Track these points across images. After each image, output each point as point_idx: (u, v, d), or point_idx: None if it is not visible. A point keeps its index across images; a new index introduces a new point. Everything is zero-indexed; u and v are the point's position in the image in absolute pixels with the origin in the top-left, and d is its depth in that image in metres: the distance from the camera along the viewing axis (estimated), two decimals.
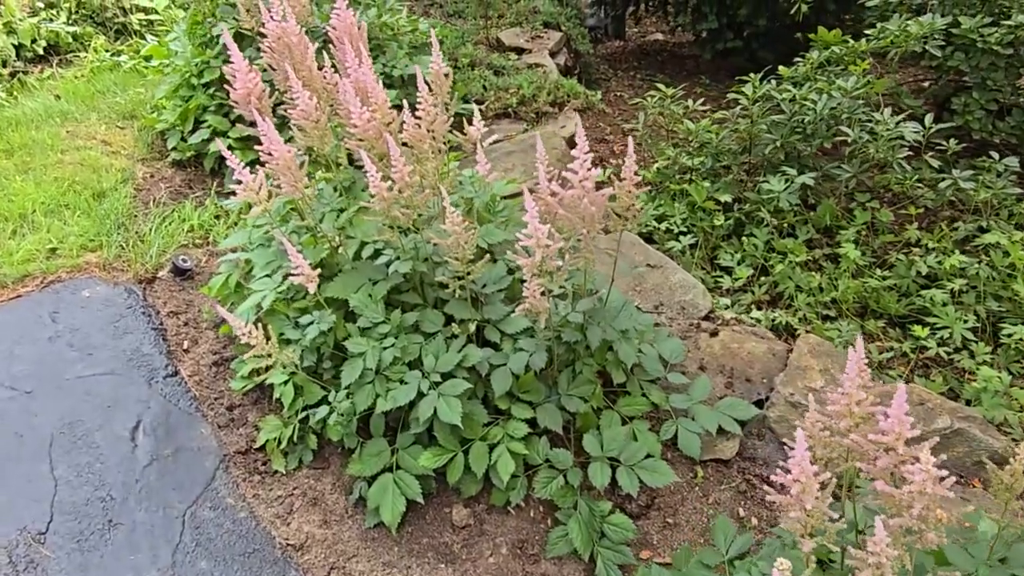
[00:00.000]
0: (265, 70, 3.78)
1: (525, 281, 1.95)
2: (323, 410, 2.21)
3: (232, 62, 2.43)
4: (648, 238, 3.82)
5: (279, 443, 2.45)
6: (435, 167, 2.13)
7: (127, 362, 2.75)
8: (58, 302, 3.00)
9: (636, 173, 2.01)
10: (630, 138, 1.97)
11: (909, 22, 3.97)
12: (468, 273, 2.08)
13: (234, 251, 2.79)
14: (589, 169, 1.89)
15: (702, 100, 4.30)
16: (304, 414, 2.43)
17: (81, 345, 2.80)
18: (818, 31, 5.24)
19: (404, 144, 2.14)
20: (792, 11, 5.29)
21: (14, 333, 2.83)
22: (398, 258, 2.18)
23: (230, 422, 2.61)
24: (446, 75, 2.48)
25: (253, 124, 2.50)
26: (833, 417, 1.38)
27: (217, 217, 3.71)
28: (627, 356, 2.28)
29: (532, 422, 2.24)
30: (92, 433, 2.45)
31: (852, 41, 4.17)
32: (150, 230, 3.53)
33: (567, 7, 6.48)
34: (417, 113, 2.05)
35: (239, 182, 2.09)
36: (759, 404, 2.54)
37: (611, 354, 2.36)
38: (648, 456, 2.16)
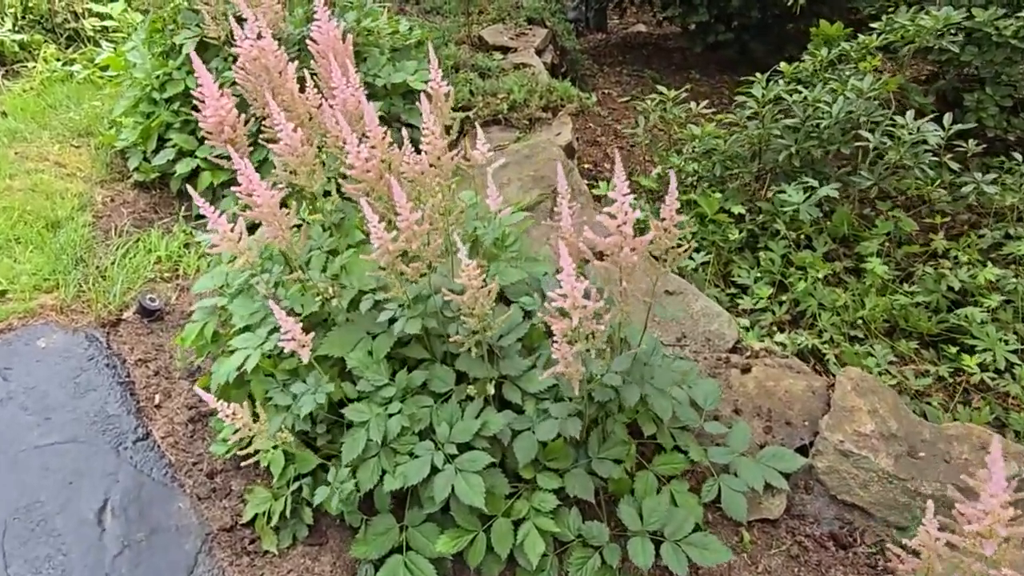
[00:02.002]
0: (235, 83, 3.45)
1: (555, 341, 1.67)
2: (322, 491, 1.92)
3: (200, 84, 2.11)
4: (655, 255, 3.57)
5: (269, 518, 2.16)
6: (442, 207, 1.84)
7: (90, 426, 2.43)
8: (10, 355, 2.66)
9: (677, 211, 1.74)
10: (672, 173, 1.70)
11: (923, 16, 3.74)
12: (485, 329, 1.80)
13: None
14: (627, 212, 1.61)
15: (706, 102, 4.05)
16: (297, 484, 2.14)
17: (37, 407, 2.47)
18: (819, 24, 5.00)
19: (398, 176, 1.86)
20: (790, 3, 5.05)
21: None
22: (403, 313, 1.88)
23: (212, 492, 2.31)
24: (446, 95, 2.18)
25: (226, 157, 2.19)
26: (966, 536, 1.13)
27: (187, 246, 3.37)
28: (663, 411, 2.02)
29: (559, 490, 1.97)
30: (52, 517, 2.13)
31: (861, 36, 3.94)
32: (112, 264, 3.18)
33: (551, 1, 6.18)
34: (422, 145, 1.76)
35: (215, 231, 1.79)
36: (802, 451, 2.30)
37: (642, 404, 2.10)
38: (696, 529, 1.90)
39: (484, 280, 1.70)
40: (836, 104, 3.41)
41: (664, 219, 1.76)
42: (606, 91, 6.17)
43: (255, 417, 1.91)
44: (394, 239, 1.67)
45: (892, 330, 3.12)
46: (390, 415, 1.92)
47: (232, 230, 1.79)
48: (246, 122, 2.19)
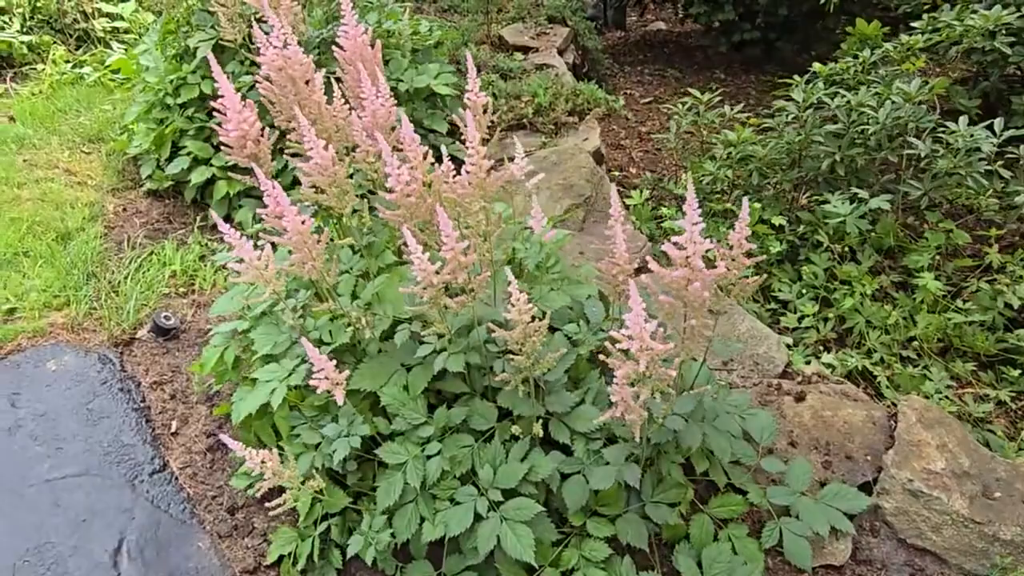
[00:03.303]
0: (252, 88, 3.30)
1: (615, 382, 1.52)
2: (357, 541, 1.77)
3: (221, 94, 1.96)
4: None
5: (295, 560, 2.01)
6: (484, 230, 1.69)
7: (104, 457, 2.29)
8: (19, 379, 2.53)
9: (746, 240, 1.58)
10: (745, 200, 1.54)
11: (972, 15, 3.56)
12: (535, 367, 1.65)
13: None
14: (698, 244, 1.46)
15: (740, 106, 3.88)
16: (325, 524, 2.00)
17: (48, 437, 2.33)
18: (852, 23, 4.81)
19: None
20: (823, 2, 4.85)
21: None
22: (444, 348, 1.73)
23: (233, 530, 2.17)
24: (484, 108, 2.02)
25: (248, 172, 2.04)
26: None
27: (202, 258, 3.23)
28: (722, 451, 1.87)
29: (610, 538, 1.82)
30: (64, 560, 1.99)
31: (904, 37, 3.76)
32: (125, 278, 3.04)
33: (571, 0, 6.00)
34: (467, 166, 1.60)
35: (240, 260, 1.64)
36: (865, 488, 2.14)
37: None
38: None
39: (535, 315, 1.55)
40: (883, 109, 3.23)
41: (732, 247, 1.60)
42: (628, 91, 5.99)
43: (282, 458, 1.76)
44: (438, 270, 1.51)
45: (945, 350, 2.95)
46: (428, 457, 1.77)
47: (259, 258, 1.64)
48: (265, 133, 2.04)
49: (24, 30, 4.67)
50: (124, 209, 3.52)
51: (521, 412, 1.82)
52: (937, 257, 3.23)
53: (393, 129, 2.11)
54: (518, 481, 1.71)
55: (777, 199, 3.68)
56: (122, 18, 4.77)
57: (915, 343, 2.90)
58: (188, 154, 3.34)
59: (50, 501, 2.14)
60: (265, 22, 3.16)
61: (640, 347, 1.37)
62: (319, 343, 1.89)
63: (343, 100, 2.11)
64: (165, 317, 2.82)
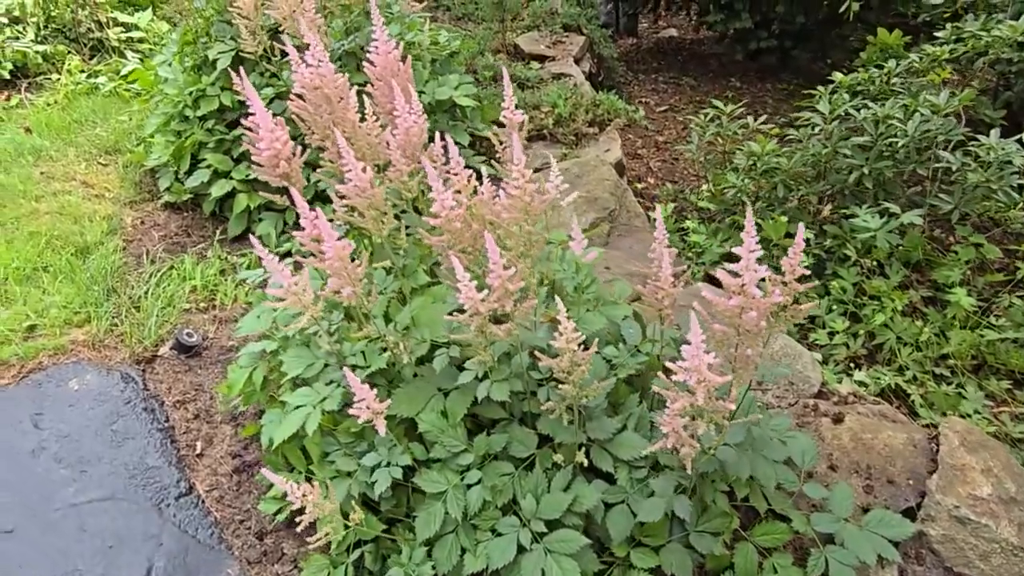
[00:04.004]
0: (274, 100, 3.26)
1: (667, 413, 1.47)
2: (396, 573, 1.72)
3: (252, 112, 1.92)
4: (716, 281, 3.36)
5: None
6: (528, 254, 1.65)
7: (130, 480, 2.25)
8: (41, 399, 2.49)
9: (800, 265, 1.54)
10: (801, 226, 1.50)
11: (999, 25, 3.52)
12: (581, 396, 1.60)
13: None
14: (754, 272, 1.41)
15: (764, 117, 3.83)
16: (359, 552, 1.95)
17: (72, 459, 2.29)
18: (868, 31, 4.76)
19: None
20: (842, 10, 4.81)
21: None
22: (486, 374, 1.69)
23: (262, 556, 2.12)
24: (520, 124, 1.98)
25: (281, 192, 2.00)
26: None
27: (222, 272, 3.19)
28: (767, 479, 1.82)
29: (654, 568, 1.77)
30: None
31: (928, 47, 3.71)
32: (146, 293, 3.01)
33: (586, 7, 5.97)
34: (511, 189, 1.56)
35: (280, 286, 1.59)
36: (908, 514, 2.09)
37: None
38: None
39: (584, 343, 1.51)
40: (911, 121, 3.19)
41: (784, 272, 1.56)
42: (643, 99, 5.96)
43: (310, 481, 1.72)
44: (483, 298, 1.47)
45: (978, 367, 2.90)
46: (468, 485, 1.72)
47: (297, 283, 1.60)
48: (297, 152, 2.01)
49: (38, 39, 4.64)
50: (142, 222, 3.49)
51: (562, 439, 1.77)
52: (967, 272, 3.18)
53: (425, 147, 2.08)
54: (562, 512, 1.67)
55: (800, 211, 3.63)
56: (138, 28, 4.75)
57: (948, 360, 2.85)
58: (208, 167, 3.31)
59: (76, 526, 2.09)
60: (286, 34, 3.15)
61: (698, 379, 1.33)
62: (353, 368, 1.85)
63: (375, 118, 2.07)
64: (187, 334, 2.78)
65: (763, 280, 1.47)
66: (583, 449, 1.75)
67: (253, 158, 1.94)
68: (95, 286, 2.97)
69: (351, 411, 1.56)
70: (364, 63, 2.16)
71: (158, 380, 2.68)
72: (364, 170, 1.65)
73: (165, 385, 2.66)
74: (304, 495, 1.47)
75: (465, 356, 1.79)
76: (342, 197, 1.87)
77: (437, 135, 2.09)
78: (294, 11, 2.93)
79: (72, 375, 2.60)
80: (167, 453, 2.36)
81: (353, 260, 1.56)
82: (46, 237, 3.18)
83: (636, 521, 1.70)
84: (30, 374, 2.60)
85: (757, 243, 1.40)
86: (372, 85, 2.18)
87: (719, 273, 1.47)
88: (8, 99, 4.36)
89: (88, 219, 3.38)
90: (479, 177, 1.75)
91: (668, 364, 1.38)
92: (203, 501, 2.25)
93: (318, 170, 2.03)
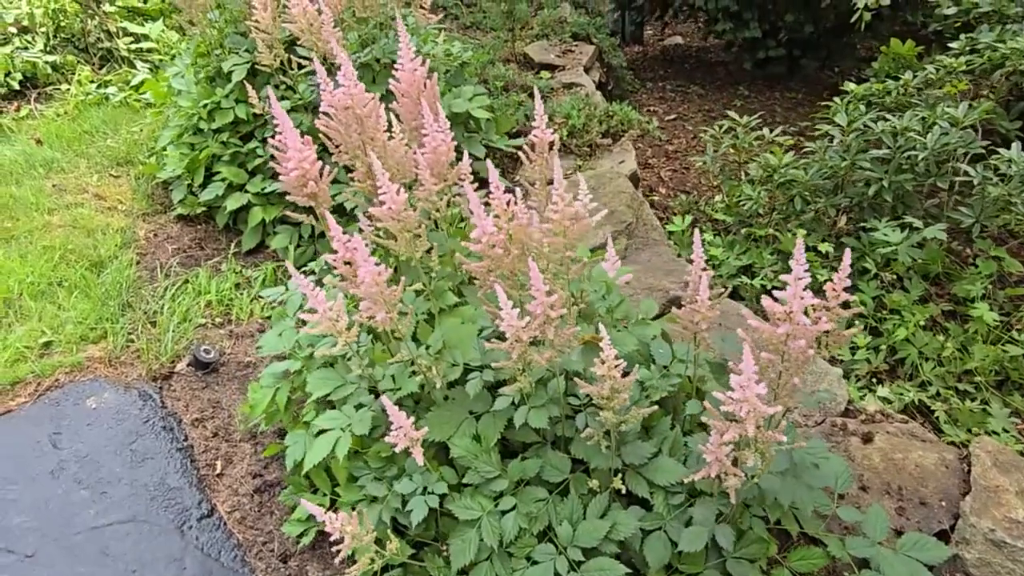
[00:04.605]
0: (291, 112, 3.23)
1: (710, 442, 1.45)
2: None
3: (280, 131, 1.90)
4: (735, 294, 3.34)
5: None
6: (564, 278, 1.62)
7: (151, 501, 2.22)
8: (59, 418, 2.46)
9: (845, 289, 1.51)
10: (847, 251, 1.48)
11: (1018, 37, 3.51)
12: (621, 423, 1.58)
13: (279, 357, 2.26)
14: (802, 299, 1.39)
15: (779, 129, 3.82)
16: None
17: (92, 480, 2.26)
18: (879, 40, 4.75)
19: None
20: (853, 20, 4.80)
21: (7, 467, 2.28)
22: (523, 400, 1.66)
23: None
24: (551, 143, 1.96)
25: (309, 211, 1.98)
26: None
27: (237, 286, 3.16)
28: (805, 504, 1.79)
29: None
30: None
31: (945, 58, 3.70)
32: (161, 308, 2.98)
33: (595, 16, 5.96)
34: (550, 213, 1.53)
35: (313, 311, 1.57)
36: (942, 536, 2.06)
37: None
38: None
39: (625, 370, 1.48)
40: (931, 134, 3.17)
41: (828, 298, 1.53)
42: (651, 108, 5.94)
43: (335, 505, 1.69)
44: (525, 325, 1.44)
45: (1001, 382, 2.88)
46: (503, 512, 1.70)
47: (331, 308, 1.57)
48: (325, 171, 1.98)
49: (47, 49, 4.61)
50: (155, 235, 3.46)
51: (597, 464, 1.75)
52: (988, 286, 3.16)
53: (452, 165, 2.06)
54: (600, 540, 1.64)
55: (816, 223, 3.62)
56: (148, 38, 4.72)
57: (970, 376, 2.83)
58: (223, 180, 3.28)
59: (98, 550, 2.06)
60: (302, 46, 3.12)
61: (750, 410, 1.30)
62: (382, 391, 1.82)
63: (401, 135, 2.05)
64: (205, 350, 2.75)
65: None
66: (618, 475, 1.72)
67: (280, 177, 1.91)
68: (110, 301, 2.94)
69: (388, 438, 1.54)
70: (390, 80, 2.14)
71: (175, 397, 2.65)
72: (398, 192, 1.63)
73: (182, 402, 2.63)
74: (343, 525, 1.44)
75: (498, 379, 1.77)
76: (370, 218, 1.85)
77: (466, 154, 2.07)
78: (312, 24, 2.91)
79: (89, 393, 2.57)
80: (187, 473, 2.33)
81: (390, 284, 1.54)
82: (60, 251, 3.16)
83: (676, 550, 1.67)
84: (47, 392, 2.57)
85: (806, 270, 1.37)
86: (397, 101, 2.16)
87: (765, 301, 1.44)
88: (18, 110, 4.33)
89: (101, 232, 3.35)
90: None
91: (716, 394, 1.36)
92: (225, 523, 2.22)
93: (346, 189, 2.01)
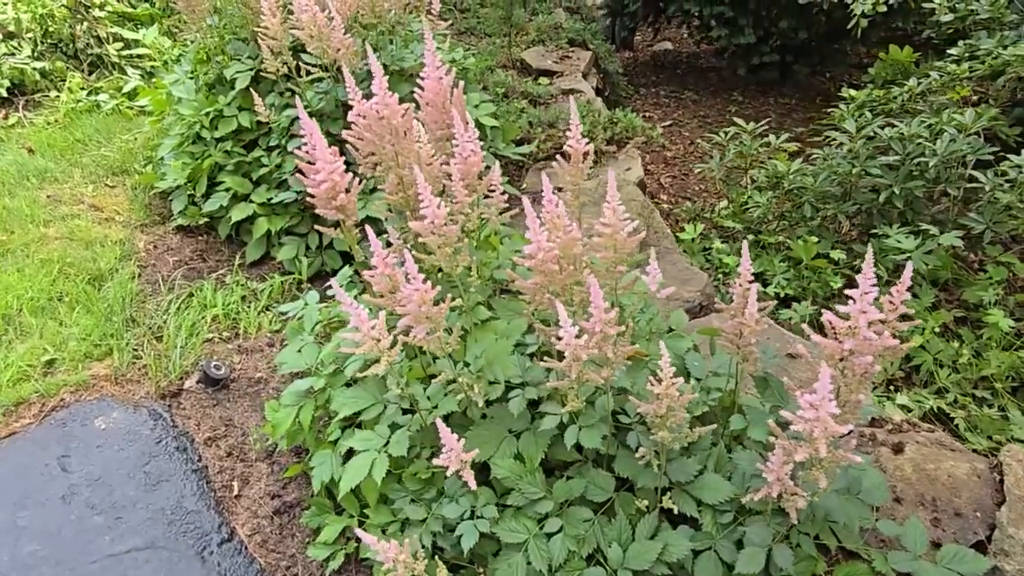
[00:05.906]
0: (295, 122, 3.16)
1: (771, 461, 1.41)
2: None
3: (309, 143, 1.84)
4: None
5: None
6: (614, 292, 1.58)
7: (168, 526, 2.13)
8: (67, 440, 2.36)
9: (902, 304, 1.49)
10: (909, 264, 1.45)
11: (1018, 43, 3.54)
12: (675, 442, 1.54)
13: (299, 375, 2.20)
14: (867, 313, 1.36)
15: (786, 135, 3.82)
16: None
17: (105, 505, 2.17)
18: (871, 45, 4.77)
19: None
20: (850, 26, 4.83)
21: (16, 492, 2.18)
22: (572, 419, 1.61)
23: None
24: (585, 154, 1.92)
25: (335, 225, 1.92)
26: None
27: (244, 299, 3.08)
28: (852, 521, 1.77)
29: None
30: None
31: (947, 65, 3.72)
32: (166, 322, 2.89)
33: (589, 22, 5.94)
34: (600, 227, 1.49)
35: (356, 329, 1.51)
36: (979, 548, 2.05)
37: None
38: None
39: (680, 389, 1.44)
40: (940, 140, 3.18)
41: (886, 311, 1.51)
42: (647, 114, 5.94)
43: (364, 526, 1.63)
44: (584, 344, 1.40)
45: (1017, 388, 2.89)
46: (549, 535, 1.65)
47: (374, 327, 1.51)
48: (354, 183, 1.92)
49: (35, 55, 4.48)
50: (155, 246, 3.37)
51: (642, 483, 1.71)
52: (1000, 292, 3.18)
53: (480, 176, 2.01)
54: (651, 562, 1.60)
55: (824, 229, 3.62)
56: (140, 44, 4.60)
57: (986, 382, 2.84)
58: (227, 190, 3.20)
59: None
60: (308, 53, 3.06)
61: (821, 431, 1.27)
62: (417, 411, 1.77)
63: (428, 146, 2.00)
64: (215, 366, 2.66)
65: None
66: (665, 493, 1.68)
67: (309, 190, 1.85)
68: (114, 316, 2.84)
69: (438, 460, 1.48)
70: (416, 90, 2.09)
71: (185, 416, 2.56)
72: (439, 205, 1.58)
73: (193, 421, 2.55)
74: (396, 558, 1.38)
75: (540, 398, 1.72)
76: (399, 231, 1.80)
77: (496, 165, 2.03)
78: (321, 31, 2.85)
79: (97, 413, 2.48)
80: (204, 496, 2.25)
81: (436, 304, 1.48)
82: (58, 264, 3.05)
83: (732, 572, 1.63)
84: (52, 412, 2.47)
85: (873, 284, 1.35)
86: (423, 110, 2.11)
87: (827, 315, 1.41)
88: (6, 118, 4.19)
89: (100, 244, 3.25)
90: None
91: (784, 414, 1.32)
92: (246, 547, 2.14)
93: (377, 203, 1.95)
